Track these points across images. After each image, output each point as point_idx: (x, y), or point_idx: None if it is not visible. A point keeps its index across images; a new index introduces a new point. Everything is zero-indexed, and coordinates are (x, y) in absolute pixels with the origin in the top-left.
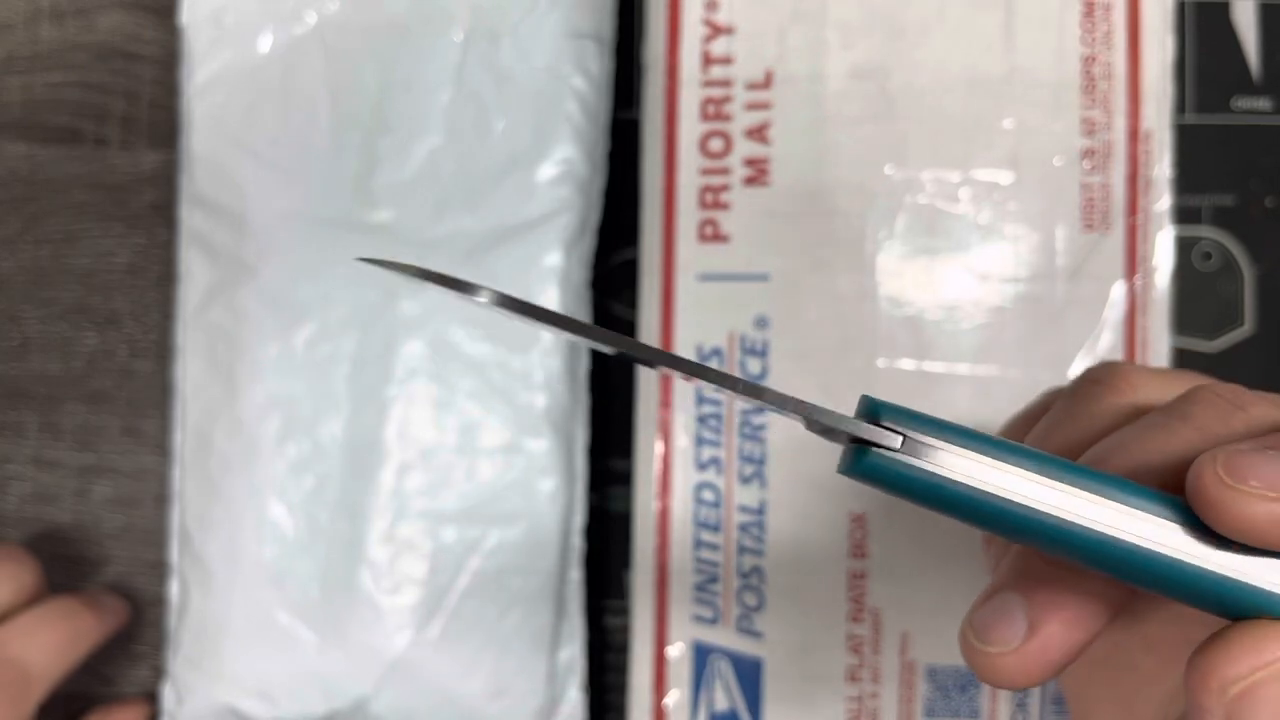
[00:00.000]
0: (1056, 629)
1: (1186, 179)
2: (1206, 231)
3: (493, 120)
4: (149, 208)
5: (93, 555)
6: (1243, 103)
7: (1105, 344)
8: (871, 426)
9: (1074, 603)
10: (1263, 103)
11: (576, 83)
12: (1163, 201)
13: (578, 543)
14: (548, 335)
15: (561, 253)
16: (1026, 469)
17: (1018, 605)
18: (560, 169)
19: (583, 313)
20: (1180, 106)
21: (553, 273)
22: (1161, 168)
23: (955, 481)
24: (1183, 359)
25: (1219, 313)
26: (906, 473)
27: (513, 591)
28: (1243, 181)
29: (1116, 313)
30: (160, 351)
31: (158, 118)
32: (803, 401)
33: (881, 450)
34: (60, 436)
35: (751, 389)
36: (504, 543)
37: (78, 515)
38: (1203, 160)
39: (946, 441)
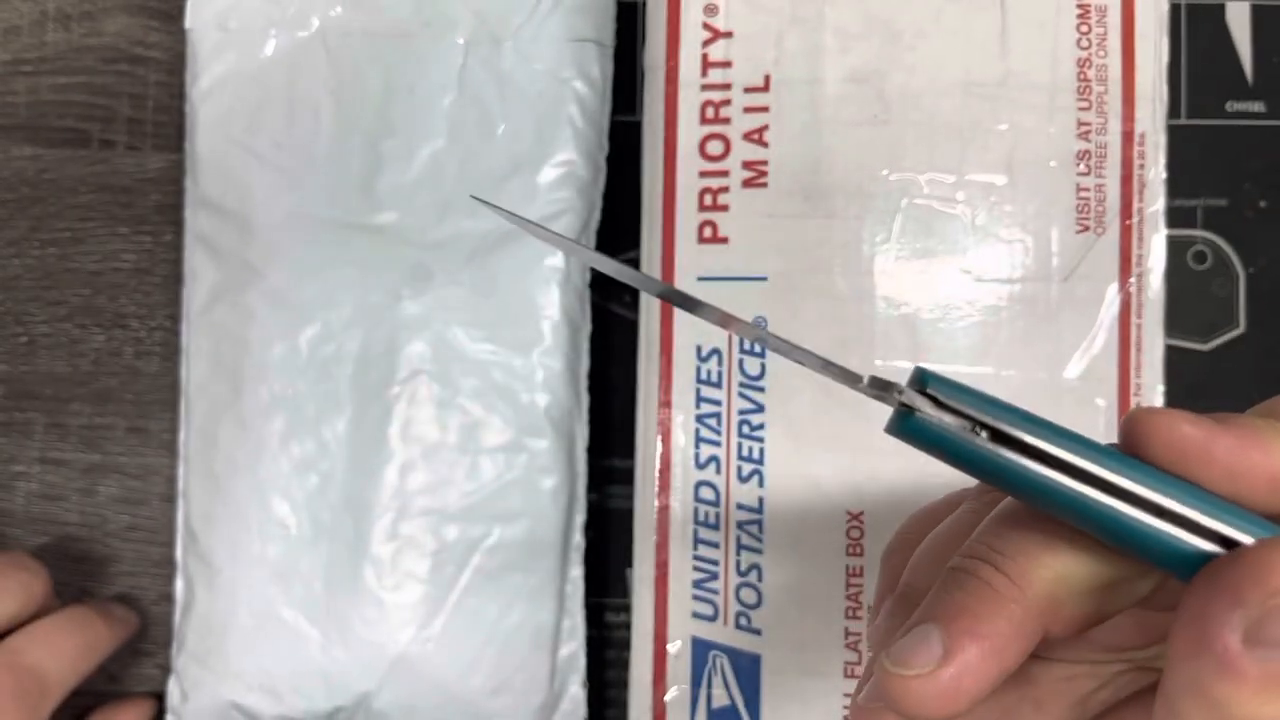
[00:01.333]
0: (973, 656)
1: (1181, 181)
2: (1200, 233)
3: (495, 123)
4: (155, 209)
5: (98, 554)
6: (1236, 106)
7: (1100, 344)
8: (918, 395)
9: (991, 632)
10: (1256, 106)
11: (577, 86)
12: (1157, 203)
13: (579, 540)
14: (548, 336)
15: (562, 254)
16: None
17: (935, 633)
18: (561, 171)
19: (583, 314)
20: (1175, 109)
21: (554, 274)
22: (1156, 170)
23: (981, 446)
24: (1177, 359)
25: (1213, 313)
26: (941, 434)
27: (514, 589)
28: (1236, 184)
29: (1111, 313)
30: (166, 352)
31: (163, 120)
32: (849, 372)
33: (925, 414)
34: (67, 436)
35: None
36: (506, 540)
37: (84, 514)
38: (1196, 163)
39: (979, 411)
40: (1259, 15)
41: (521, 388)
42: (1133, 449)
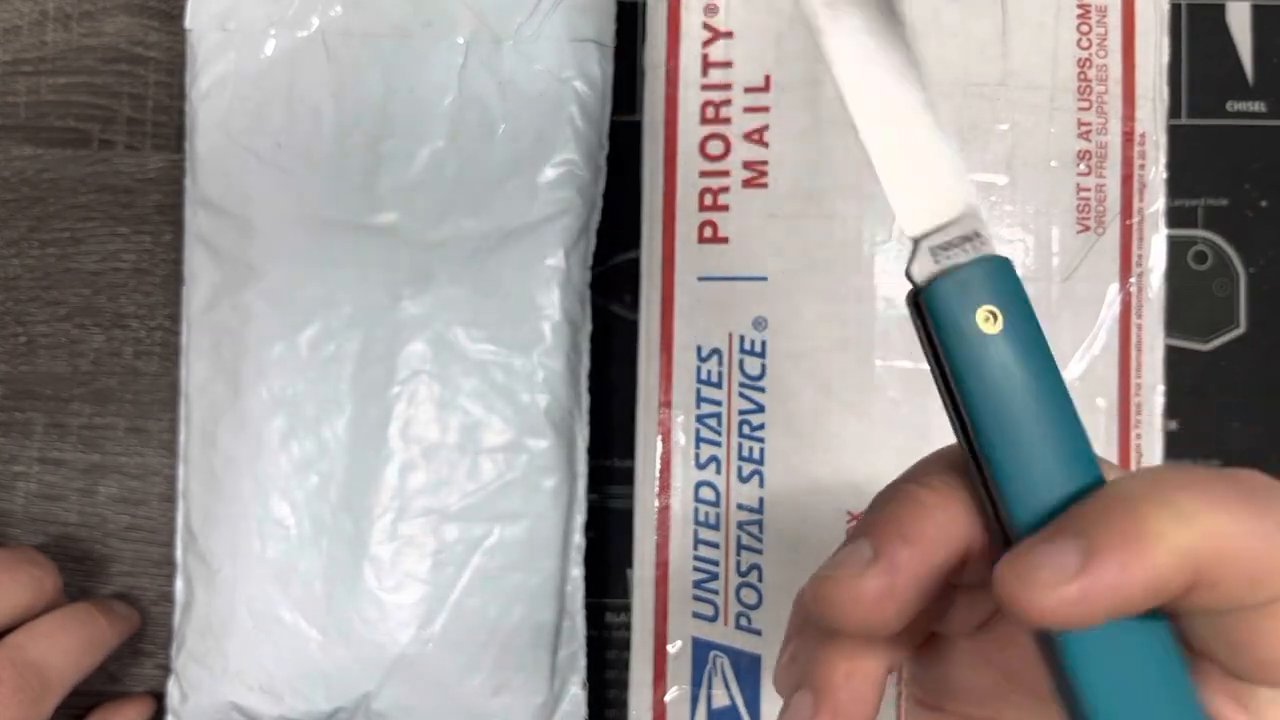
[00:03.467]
0: (903, 556)
1: (1181, 181)
2: (1201, 233)
3: (495, 123)
4: (154, 209)
5: (98, 554)
6: (1237, 106)
7: (1100, 344)
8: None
9: (918, 536)
10: (1257, 106)
11: (578, 86)
12: (1157, 203)
13: (579, 540)
14: (549, 336)
15: (562, 254)
16: None
17: (865, 542)
18: (562, 171)
19: (583, 314)
20: (1175, 109)
21: (555, 273)
22: (1156, 170)
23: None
24: (1177, 359)
25: (1213, 314)
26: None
27: (515, 589)
28: (1237, 184)
29: (1111, 313)
30: (166, 352)
31: (163, 120)
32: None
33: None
34: (66, 436)
35: None
36: (506, 540)
37: (83, 514)
38: (1197, 163)
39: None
40: (1259, 15)
41: (522, 388)
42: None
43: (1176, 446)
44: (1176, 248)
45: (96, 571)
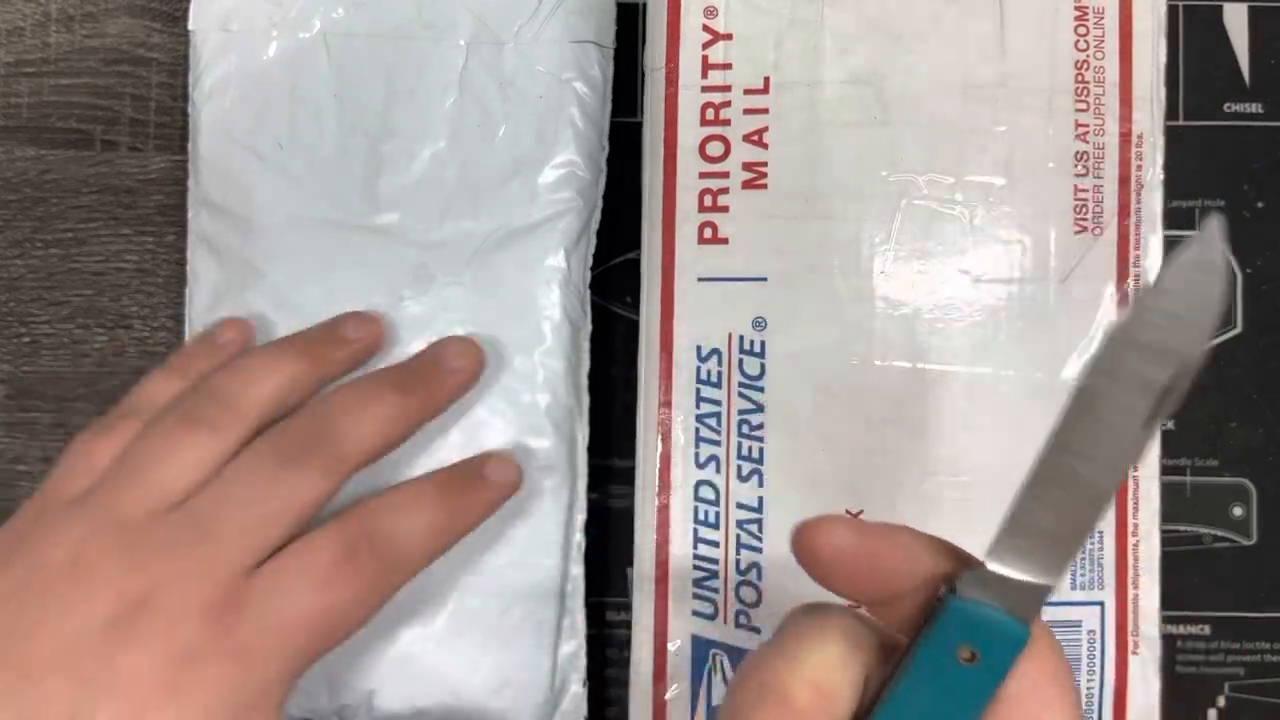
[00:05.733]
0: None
1: (1178, 182)
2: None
3: (496, 125)
4: (157, 210)
5: None
6: (1234, 107)
7: (1097, 345)
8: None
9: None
10: (1254, 107)
11: (578, 87)
12: (1154, 204)
13: (579, 539)
14: (549, 336)
15: (563, 254)
16: None
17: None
18: (562, 172)
19: (583, 314)
20: (1172, 111)
21: (555, 273)
22: (1153, 171)
23: None
24: None
25: None
26: None
27: (515, 587)
28: (1234, 185)
29: (1108, 314)
30: (169, 352)
31: (165, 121)
32: None
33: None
34: (71, 435)
35: None
36: (507, 539)
37: None
38: (1194, 164)
39: None
40: (1256, 16)
41: (523, 388)
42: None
43: (1174, 446)
44: (1174, 248)
45: None
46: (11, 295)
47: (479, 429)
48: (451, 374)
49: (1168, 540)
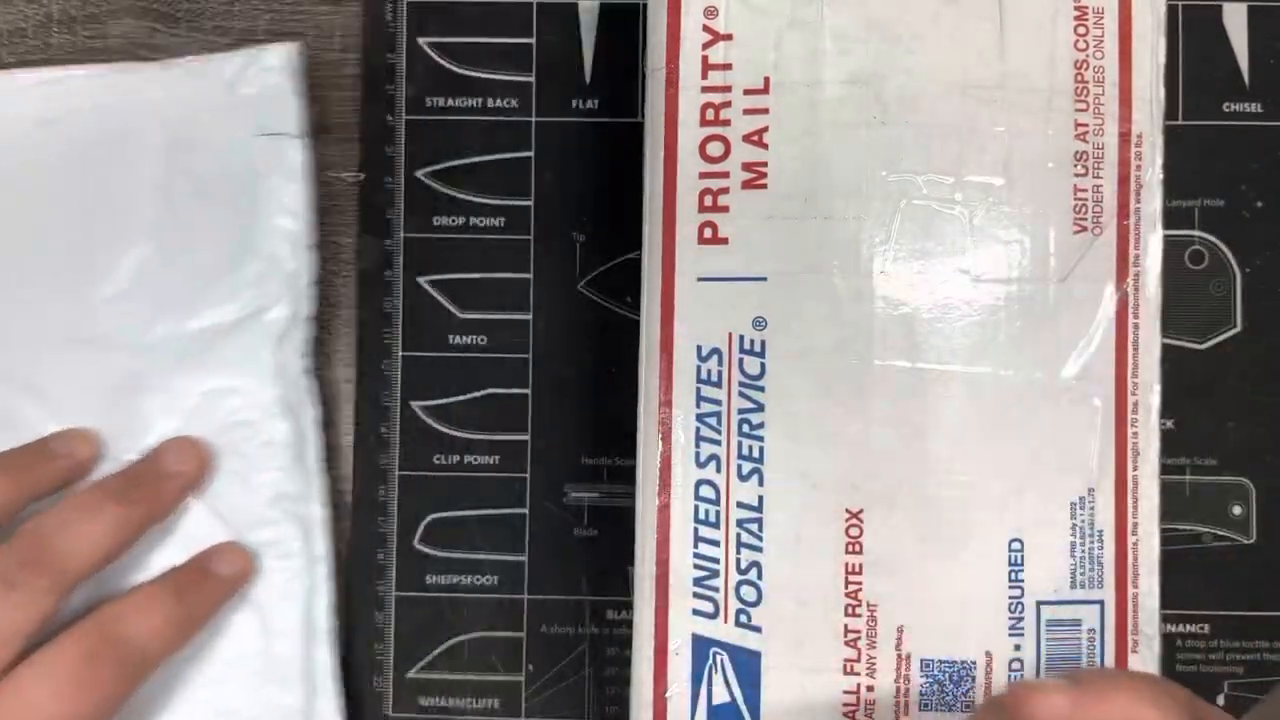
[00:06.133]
0: None
1: (1178, 182)
2: (1197, 233)
3: (197, 225)
4: None
5: None
6: (1233, 107)
7: (1097, 344)
8: None
9: None
10: (1253, 107)
11: (274, 181)
12: (1154, 203)
13: (325, 624)
14: (268, 428)
15: (274, 346)
16: None
17: None
18: (264, 266)
19: (307, 399)
20: (1171, 111)
21: (268, 366)
22: (1153, 170)
23: None
24: (1174, 358)
25: (1210, 313)
26: None
27: (257, 676)
28: (1233, 184)
29: (1108, 313)
30: None
31: None
32: None
33: None
34: None
35: None
36: (244, 628)
37: None
38: (1193, 164)
39: None
40: (1255, 17)
41: (246, 482)
42: None
43: (1174, 446)
44: (1173, 248)
45: None
46: None
47: (205, 524)
48: (172, 478)
49: (1167, 539)
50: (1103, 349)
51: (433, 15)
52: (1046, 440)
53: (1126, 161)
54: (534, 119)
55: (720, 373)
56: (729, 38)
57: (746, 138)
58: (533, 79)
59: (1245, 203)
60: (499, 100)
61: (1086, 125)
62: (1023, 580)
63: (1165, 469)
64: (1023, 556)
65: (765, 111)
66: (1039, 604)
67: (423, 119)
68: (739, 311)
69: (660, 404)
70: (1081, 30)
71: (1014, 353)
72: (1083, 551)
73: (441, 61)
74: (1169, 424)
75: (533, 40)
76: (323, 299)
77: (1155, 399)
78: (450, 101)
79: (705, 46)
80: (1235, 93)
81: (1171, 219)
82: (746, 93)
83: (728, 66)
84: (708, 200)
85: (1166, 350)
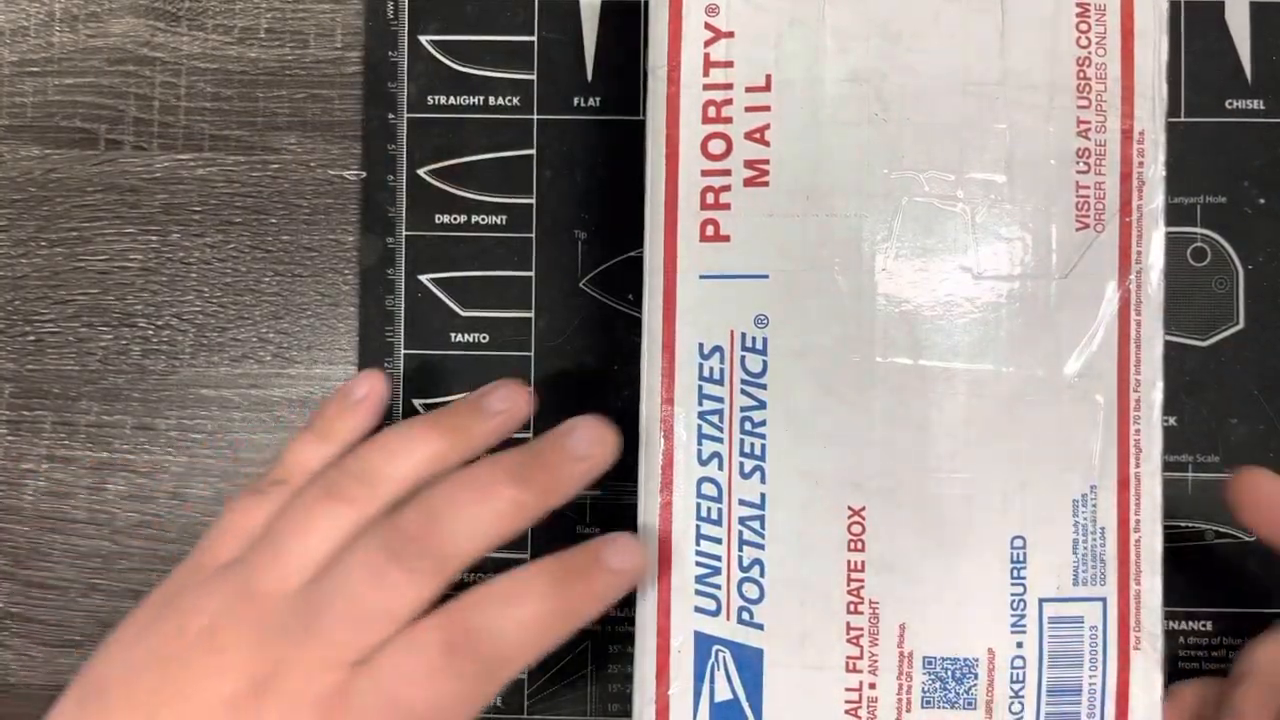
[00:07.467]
0: None
1: (1180, 179)
2: (1199, 230)
3: None
4: (161, 209)
5: (107, 550)
6: (1235, 104)
7: (1099, 341)
8: None
9: None
10: (1255, 104)
11: None
12: (1156, 201)
13: None
14: None
15: None
16: None
17: None
18: None
19: None
20: (1174, 108)
21: None
22: (1155, 167)
23: None
24: (1176, 355)
25: (1212, 310)
26: None
27: None
28: (1235, 181)
29: (1110, 310)
30: (173, 350)
31: (169, 121)
32: None
33: None
34: (75, 434)
35: None
36: None
37: (92, 511)
38: (1196, 160)
39: None
40: (1258, 13)
41: None
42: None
43: (1176, 443)
44: (1175, 245)
45: (105, 569)
46: (17, 294)
47: None
48: (578, 463)
49: (1170, 537)
50: (1105, 346)
51: (434, 13)
52: (1048, 437)
53: (1129, 159)
54: (535, 117)
55: (722, 370)
56: (730, 35)
57: (748, 135)
58: (534, 77)
59: (1248, 200)
60: (501, 98)
61: (1089, 122)
62: (1025, 577)
63: (1167, 466)
64: (1025, 554)
65: (767, 109)
66: (1041, 601)
67: (424, 117)
68: (741, 309)
69: (662, 401)
70: (1084, 27)
71: (1016, 350)
72: (1085, 549)
73: (443, 59)
74: (1171, 421)
75: (534, 38)
76: (324, 298)
77: (1158, 396)
78: (452, 99)
79: (707, 44)
80: (1237, 89)
81: (1173, 216)
82: (748, 90)
83: (729, 64)
84: (709, 198)
85: (1168, 347)
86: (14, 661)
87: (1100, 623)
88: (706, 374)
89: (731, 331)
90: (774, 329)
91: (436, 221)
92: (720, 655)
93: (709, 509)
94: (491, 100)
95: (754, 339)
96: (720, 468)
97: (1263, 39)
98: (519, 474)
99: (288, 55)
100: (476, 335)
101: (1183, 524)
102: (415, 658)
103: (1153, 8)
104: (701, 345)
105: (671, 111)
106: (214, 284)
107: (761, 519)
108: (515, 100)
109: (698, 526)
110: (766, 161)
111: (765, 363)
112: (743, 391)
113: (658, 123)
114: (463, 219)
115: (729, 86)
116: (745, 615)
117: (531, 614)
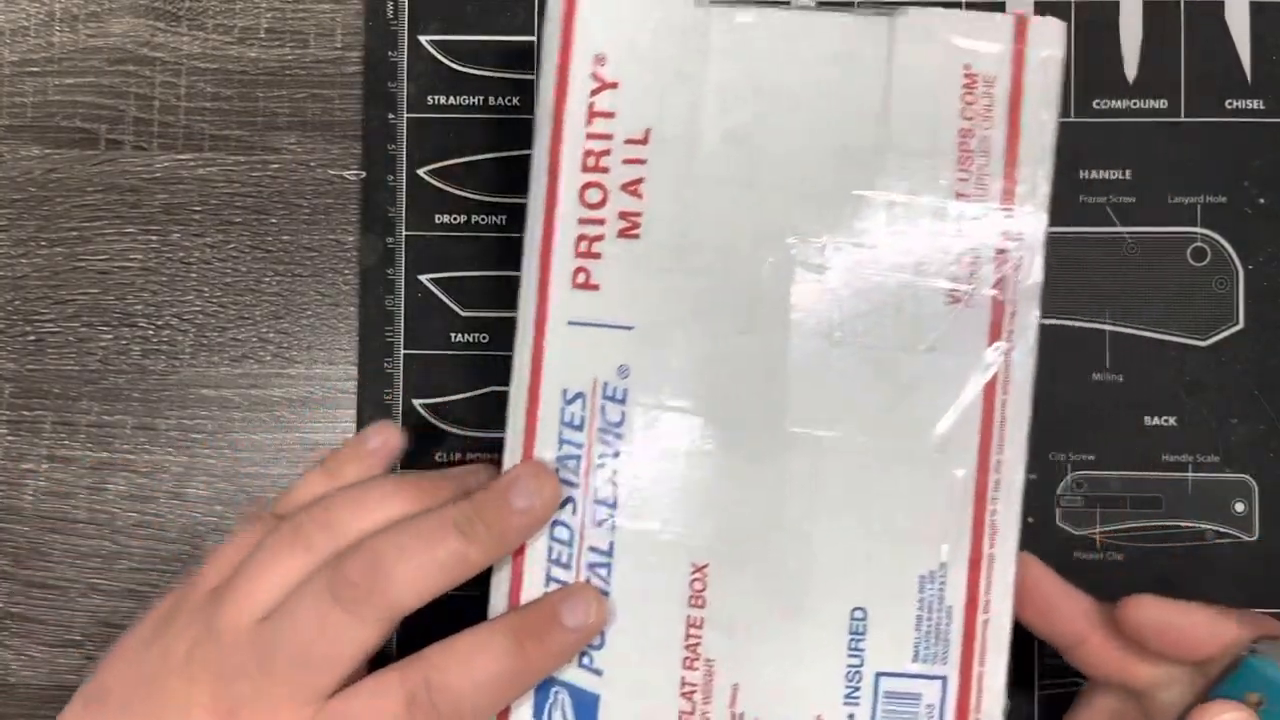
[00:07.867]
0: None
1: (1180, 179)
2: (1199, 230)
3: None
4: (161, 209)
5: (107, 550)
6: (1235, 103)
7: (962, 416)
8: None
9: None
10: (1255, 104)
11: None
12: (1032, 278)
13: None
14: None
15: None
16: None
17: None
18: None
19: None
20: (1174, 107)
21: None
22: (1034, 245)
23: None
24: (1177, 355)
25: (1212, 310)
26: None
27: None
28: (1235, 181)
29: (975, 387)
30: (173, 350)
31: (169, 121)
32: None
33: None
34: (75, 434)
35: None
36: None
37: (92, 511)
38: (1196, 160)
39: None
40: (1258, 13)
41: None
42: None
43: (1176, 443)
44: (1175, 245)
45: (105, 569)
46: (17, 294)
47: None
48: (519, 515)
49: (1170, 536)
50: (967, 422)
51: (434, 13)
52: (903, 509)
53: (1006, 234)
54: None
55: (583, 417)
56: (614, 86)
57: (624, 187)
58: (534, 77)
59: (1247, 199)
60: (500, 98)
61: (967, 194)
62: (863, 649)
63: (1168, 465)
64: (865, 625)
65: (643, 162)
66: (878, 675)
67: (424, 117)
68: (605, 358)
69: (525, 441)
70: (969, 98)
71: (876, 419)
72: (929, 625)
73: (443, 59)
74: (1171, 420)
75: (534, 38)
76: (324, 298)
77: (1019, 477)
78: (452, 99)
79: (592, 94)
80: (1237, 89)
81: (1174, 215)
82: (627, 142)
83: (611, 115)
84: (583, 246)
85: (1169, 346)
86: (14, 661)
87: (938, 702)
88: (568, 419)
89: (594, 379)
90: (634, 380)
91: (436, 221)
92: (559, 695)
93: (560, 553)
94: (491, 100)
95: (614, 389)
96: (574, 513)
97: (1263, 39)
98: (463, 527)
99: (288, 55)
100: (476, 335)
101: (1183, 524)
102: (380, 703)
103: (1042, 80)
104: (565, 391)
105: (554, 157)
106: (214, 284)
107: (609, 567)
108: (515, 100)
109: (548, 569)
110: (639, 214)
111: (624, 413)
112: (600, 440)
113: (541, 165)
114: (463, 219)
115: (609, 137)
116: (585, 659)
117: (489, 675)
